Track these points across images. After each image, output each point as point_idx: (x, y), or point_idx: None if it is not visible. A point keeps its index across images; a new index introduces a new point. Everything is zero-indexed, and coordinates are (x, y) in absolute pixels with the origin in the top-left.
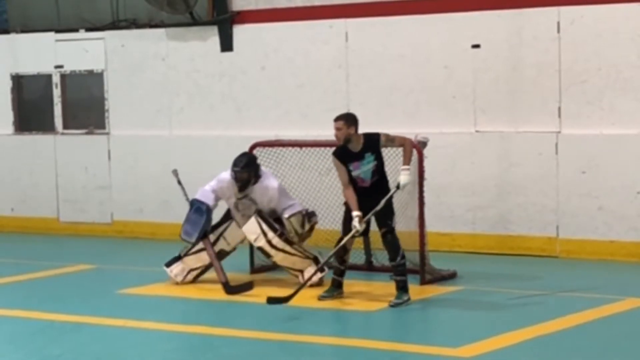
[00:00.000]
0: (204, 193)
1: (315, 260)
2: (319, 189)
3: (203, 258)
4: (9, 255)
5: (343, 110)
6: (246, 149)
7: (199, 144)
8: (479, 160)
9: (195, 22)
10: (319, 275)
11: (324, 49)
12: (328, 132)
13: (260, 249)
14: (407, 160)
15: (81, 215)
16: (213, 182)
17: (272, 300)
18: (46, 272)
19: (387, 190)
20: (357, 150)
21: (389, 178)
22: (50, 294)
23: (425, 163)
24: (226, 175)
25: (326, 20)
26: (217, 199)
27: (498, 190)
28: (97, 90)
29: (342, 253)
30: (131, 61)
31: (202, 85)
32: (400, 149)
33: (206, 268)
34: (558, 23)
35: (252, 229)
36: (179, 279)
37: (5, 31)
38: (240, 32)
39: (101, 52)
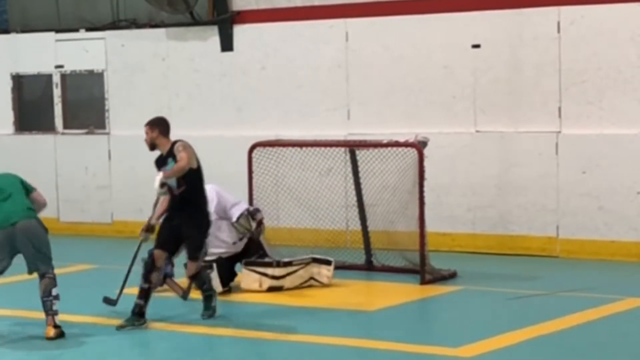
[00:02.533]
0: None
1: (314, 260)
2: (319, 189)
3: (253, 280)
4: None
5: (343, 110)
6: (246, 149)
7: (199, 144)
8: (479, 160)
9: (195, 22)
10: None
11: (324, 49)
12: (328, 132)
13: (271, 288)
14: (169, 171)
15: (81, 215)
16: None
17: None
18: None
19: (192, 207)
20: (163, 156)
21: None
22: None
23: (425, 163)
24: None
25: (326, 20)
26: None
27: (498, 190)
28: (97, 90)
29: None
30: (131, 61)
31: (202, 85)
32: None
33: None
34: (558, 23)
35: (251, 279)
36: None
37: (5, 31)
38: (241, 32)
39: (101, 52)
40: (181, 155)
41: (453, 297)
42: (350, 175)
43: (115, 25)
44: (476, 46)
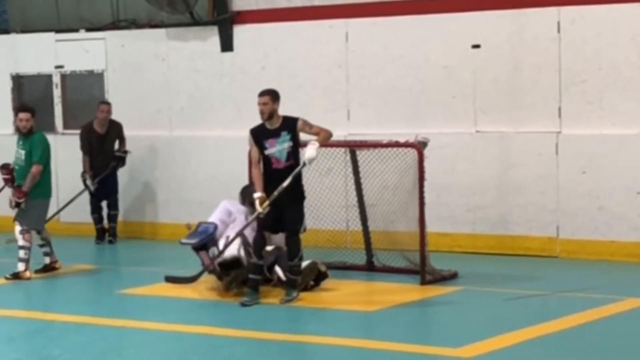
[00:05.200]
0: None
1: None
2: (319, 189)
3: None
4: (9, 255)
5: (343, 110)
6: (246, 149)
7: (199, 144)
8: (479, 160)
9: (195, 22)
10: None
11: (324, 49)
12: None
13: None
14: (319, 139)
15: (81, 215)
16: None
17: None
18: (46, 272)
19: (296, 186)
20: (273, 128)
21: (391, 178)
22: (50, 294)
23: (425, 163)
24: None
25: (326, 20)
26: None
27: (498, 190)
28: (97, 90)
29: (259, 243)
30: (131, 61)
31: (202, 85)
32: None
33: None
34: (558, 23)
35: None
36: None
37: (5, 31)
38: (240, 32)
39: (101, 52)
40: (318, 128)
41: (453, 297)
42: (351, 175)
43: (115, 25)
44: (476, 46)
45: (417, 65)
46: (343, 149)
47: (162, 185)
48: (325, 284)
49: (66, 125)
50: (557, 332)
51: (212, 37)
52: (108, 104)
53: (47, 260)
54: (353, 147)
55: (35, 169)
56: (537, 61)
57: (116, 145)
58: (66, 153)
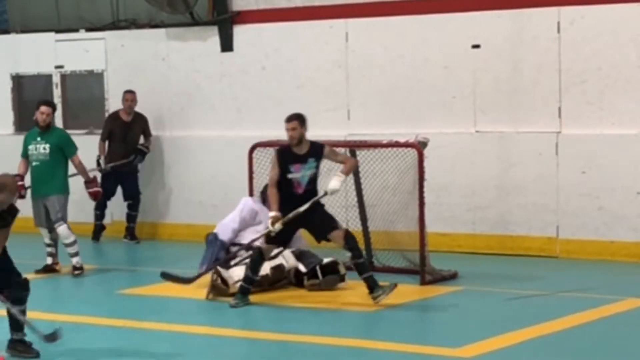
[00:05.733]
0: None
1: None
2: (319, 189)
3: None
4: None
5: (343, 110)
6: (246, 149)
7: (199, 144)
8: (479, 160)
9: (195, 22)
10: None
11: (324, 49)
12: (328, 132)
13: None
14: (344, 170)
15: (81, 215)
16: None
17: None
18: (46, 273)
19: (318, 202)
20: (301, 153)
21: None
22: (50, 294)
23: (425, 163)
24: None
25: (326, 20)
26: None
27: (498, 190)
28: (97, 90)
29: (257, 260)
30: (131, 61)
31: (202, 85)
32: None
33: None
34: (558, 23)
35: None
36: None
37: (5, 31)
38: (241, 32)
39: (101, 52)
40: (343, 157)
41: (453, 298)
42: (351, 175)
43: (115, 25)
44: (476, 46)
45: (417, 65)
46: (343, 149)
47: (162, 185)
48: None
49: (66, 125)
50: (557, 332)
51: (212, 37)
52: (132, 92)
53: (49, 261)
54: (353, 147)
55: (77, 159)
56: (537, 61)
57: (141, 140)
58: None
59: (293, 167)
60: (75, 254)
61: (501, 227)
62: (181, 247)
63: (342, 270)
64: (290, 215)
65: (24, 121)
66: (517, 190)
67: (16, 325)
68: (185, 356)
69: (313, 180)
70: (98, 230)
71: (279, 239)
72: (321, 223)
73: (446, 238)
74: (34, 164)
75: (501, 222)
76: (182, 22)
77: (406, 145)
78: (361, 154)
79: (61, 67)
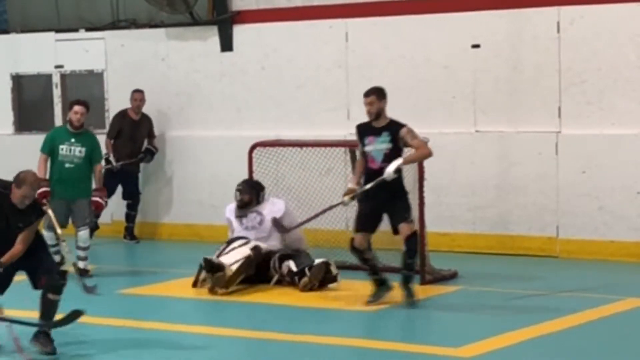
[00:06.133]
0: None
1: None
2: (319, 189)
3: (235, 255)
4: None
5: (343, 110)
6: (246, 149)
7: (199, 144)
8: (479, 160)
9: (195, 22)
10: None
11: (324, 49)
12: (328, 132)
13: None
14: (408, 157)
15: None
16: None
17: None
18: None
19: (396, 183)
20: (377, 127)
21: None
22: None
23: (425, 163)
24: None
25: (326, 20)
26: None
27: (498, 190)
28: (97, 90)
29: (354, 252)
30: (131, 61)
31: (202, 85)
32: None
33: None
34: (558, 23)
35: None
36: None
37: (5, 31)
38: (240, 32)
39: (101, 52)
40: (419, 143)
41: (453, 297)
42: (351, 175)
43: (115, 25)
44: (476, 46)
45: (417, 65)
46: (343, 149)
47: (162, 185)
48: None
49: None
50: (557, 332)
51: (212, 37)
52: (141, 92)
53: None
54: (353, 147)
55: (101, 166)
56: (537, 61)
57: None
58: None
59: (367, 139)
60: (85, 258)
61: (501, 227)
62: (181, 247)
63: (334, 271)
64: (358, 191)
65: (24, 121)
66: (517, 190)
67: (46, 315)
68: (185, 356)
69: (388, 157)
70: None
71: (366, 225)
72: (397, 212)
73: (446, 238)
74: (66, 165)
75: (501, 222)
76: (182, 22)
77: (406, 145)
78: None
79: (61, 67)
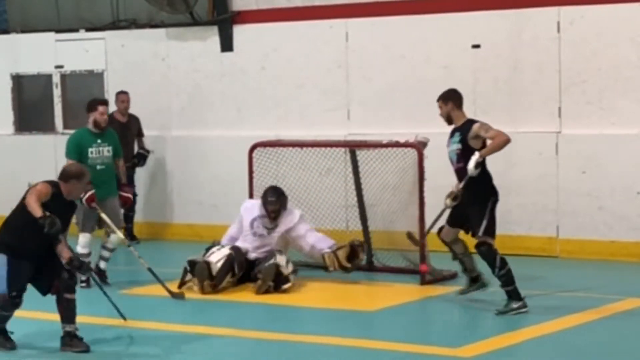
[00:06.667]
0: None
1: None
2: (319, 189)
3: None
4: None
5: (343, 110)
6: (246, 149)
7: (199, 144)
8: None
9: (195, 22)
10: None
11: (324, 49)
12: (328, 132)
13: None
14: (485, 150)
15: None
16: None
17: None
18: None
19: (477, 185)
20: (454, 128)
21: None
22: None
23: (425, 163)
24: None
25: (326, 20)
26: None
27: (498, 190)
28: (97, 90)
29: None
30: (131, 61)
31: (202, 85)
32: None
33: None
34: (558, 23)
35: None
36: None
37: (5, 31)
38: (240, 32)
39: (101, 52)
40: (494, 133)
41: (453, 297)
42: (351, 175)
43: (115, 25)
44: (476, 46)
45: (417, 65)
46: (343, 149)
47: (162, 185)
48: (326, 283)
49: (66, 125)
50: (557, 332)
51: (212, 37)
52: (126, 93)
53: (103, 265)
54: (353, 147)
55: (122, 160)
56: (537, 61)
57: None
58: None
59: (448, 141)
60: (108, 260)
61: (501, 227)
62: (181, 247)
63: (286, 271)
64: (455, 190)
65: (24, 121)
66: (517, 190)
67: (68, 316)
68: (184, 356)
69: (461, 157)
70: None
71: (452, 220)
72: (470, 221)
73: None
74: (98, 167)
75: (501, 222)
76: (182, 22)
77: (406, 145)
78: (361, 154)
79: (61, 67)
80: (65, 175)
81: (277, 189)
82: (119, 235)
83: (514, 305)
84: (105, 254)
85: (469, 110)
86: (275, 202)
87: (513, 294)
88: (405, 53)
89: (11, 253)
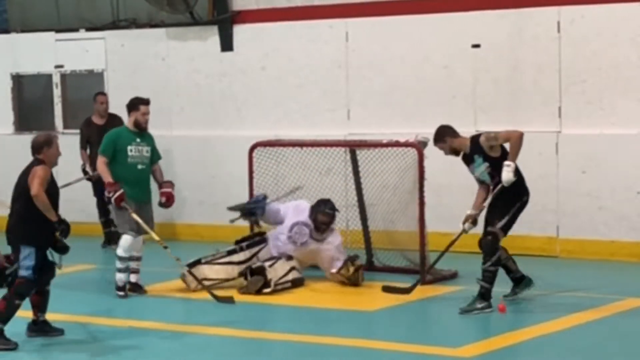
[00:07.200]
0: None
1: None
2: (319, 189)
3: (218, 271)
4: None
5: (343, 110)
6: (246, 149)
7: (199, 144)
8: None
9: (195, 22)
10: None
11: (324, 49)
12: (328, 132)
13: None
14: (511, 156)
15: (81, 215)
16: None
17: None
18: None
19: (512, 191)
20: (467, 154)
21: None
22: (50, 294)
23: (425, 163)
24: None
25: (326, 20)
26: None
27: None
28: (97, 90)
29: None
30: (131, 61)
31: (202, 85)
32: None
33: (220, 282)
34: (558, 23)
35: (215, 270)
36: (192, 285)
37: (5, 31)
38: (240, 32)
39: (101, 52)
40: (505, 135)
41: (453, 297)
42: (351, 175)
43: (115, 25)
44: (476, 46)
45: (417, 65)
46: (343, 149)
47: None
48: (327, 284)
49: (66, 125)
50: (557, 332)
51: (212, 37)
52: (104, 94)
53: (135, 278)
54: (353, 147)
55: (159, 166)
56: (537, 61)
57: None
58: (66, 153)
59: (469, 168)
60: (137, 271)
61: None
62: (181, 247)
63: (269, 276)
64: (478, 212)
65: (24, 121)
66: None
67: (45, 307)
68: (185, 356)
69: (495, 171)
70: (109, 236)
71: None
72: (493, 209)
73: (446, 238)
74: (139, 167)
75: None
76: (182, 22)
77: (406, 145)
78: (361, 154)
79: (61, 66)
80: (36, 147)
81: (332, 202)
82: (153, 236)
83: (479, 305)
84: (132, 264)
85: (469, 110)
86: (331, 215)
87: (485, 294)
88: (405, 53)
89: (38, 245)
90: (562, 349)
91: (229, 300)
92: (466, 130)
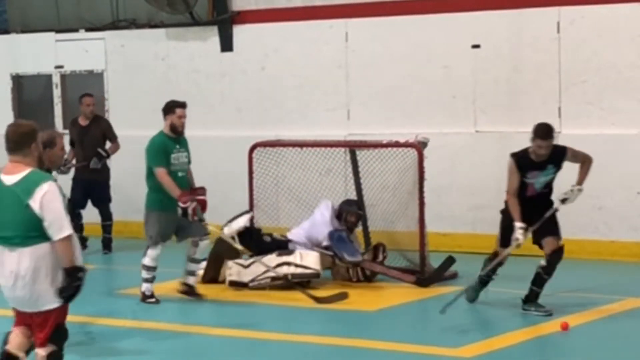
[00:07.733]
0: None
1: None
2: (319, 189)
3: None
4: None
5: (343, 110)
6: (246, 149)
7: (199, 144)
8: (479, 160)
9: (195, 22)
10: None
11: (324, 49)
12: (328, 132)
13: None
14: (581, 179)
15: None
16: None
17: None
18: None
19: (550, 202)
20: (540, 161)
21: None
22: None
23: (425, 163)
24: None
25: (326, 20)
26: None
27: (498, 190)
28: (97, 90)
29: (496, 267)
30: (131, 61)
31: (202, 85)
32: None
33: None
34: (558, 23)
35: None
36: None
37: (5, 31)
38: (240, 32)
39: (101, 52)
40: (583, 157)
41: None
42: (351, 175)
43: (115, 25)
44: (476, 46)
45: (417, 65)
46: (343, 149)
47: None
48: (327, 284)
49: (66, 125)
50: (557, 332)
51: (212, 37)
52: (90, 96)
53: (193, 280)
54: (353, 147)
55: (191, 170)
56: (537, 61)
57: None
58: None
59: (530, 173)
60: (195, 274)
61: None
62: (181, 247)
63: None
64: (536, 224)
65: None
66: None
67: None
68: (185, 356)
69: (548, 184)
70: (81, 241)
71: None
72: (543, 226)
73: (446, 238)
74: (179, 174)
75: None
76: (182, 22)
77: (406, 145)
78: (361, 154)
79: (61, 67)
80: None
81: (356, 201)
82: (237, 247)
83: (533, 307)
84: (192, 267)
85: (469, 110)
86: (360, 214)
87: (532, 295)
88: (405, 53)
89: None
90: (562, 349)
91: (341, 296)
92: (466, 130)
